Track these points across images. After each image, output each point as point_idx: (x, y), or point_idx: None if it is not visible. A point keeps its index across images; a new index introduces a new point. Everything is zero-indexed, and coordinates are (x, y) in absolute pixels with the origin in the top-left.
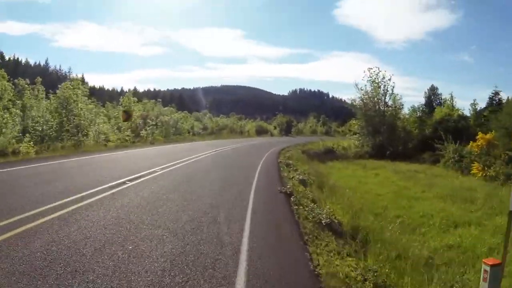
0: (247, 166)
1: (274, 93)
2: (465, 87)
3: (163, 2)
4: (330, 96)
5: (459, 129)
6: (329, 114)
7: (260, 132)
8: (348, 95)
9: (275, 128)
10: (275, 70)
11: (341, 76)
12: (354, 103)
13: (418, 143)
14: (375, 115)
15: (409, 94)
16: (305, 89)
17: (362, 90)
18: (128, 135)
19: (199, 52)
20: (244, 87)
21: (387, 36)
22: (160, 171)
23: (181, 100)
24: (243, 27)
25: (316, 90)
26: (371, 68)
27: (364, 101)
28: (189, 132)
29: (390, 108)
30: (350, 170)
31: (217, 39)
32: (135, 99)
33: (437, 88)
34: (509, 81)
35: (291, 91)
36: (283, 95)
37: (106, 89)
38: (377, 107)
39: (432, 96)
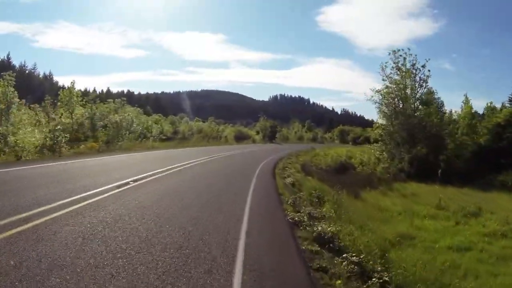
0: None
1: (255, 98)
2: (446, 94)
3: (147, 4)
4: (311, 102)
5: None
6: (311, 120)
7: (240, 138)
8: (330, 102)
9: (257, 133)
10: (256, 76)
11: (323, 82)
12: (380, 98)
13: (472, 157)
14: (410, 115)
15: None
16: (286, 95)
17: (387, 78)
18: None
19: (181, 56)
20: (225, 92)
21: (369, 43)
22: None
23: (158, 103)
24: (225, 31)
25: (297, 96)
26: (397, 51)
27: (392, 95)
28: (145, 137)
29: (420, 106)
30: (436, 220)
31: (199, 43)
32: (78, 91)
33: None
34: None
35: (271, 97)
36: (263, 101)
37: (76, 89)
38: (404, 104)
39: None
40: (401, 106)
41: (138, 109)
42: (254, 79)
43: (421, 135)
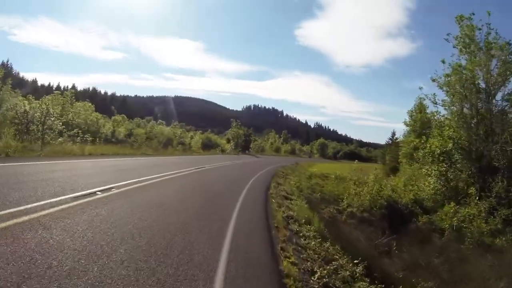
0: None
1: (228, 108)
2: None
3: (128, 6)
4: (285, 114)
5: None
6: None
7: (209, 146)
8: (303, 115)
9: (228, 142)
10: (232, 86)
11: (298, 96)
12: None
13: None
14: None
15: (365, 118)
16: (260, 105)
17: (467, 53)
18: None
19: (158, 62)
20: (199, 99)
21: (346, 60)
22: None
23: (124, 105)
24: (205, 39)
25: (271, 107)
26: (464, 18)
27: (462, 91)
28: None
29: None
30: None
31: (178, 49)
32: None
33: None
34: None
35: (245, 107)
36: (237, 110)
37: (39, 84)
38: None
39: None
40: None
41: (89, 104)
42: (230, 89)
43: None
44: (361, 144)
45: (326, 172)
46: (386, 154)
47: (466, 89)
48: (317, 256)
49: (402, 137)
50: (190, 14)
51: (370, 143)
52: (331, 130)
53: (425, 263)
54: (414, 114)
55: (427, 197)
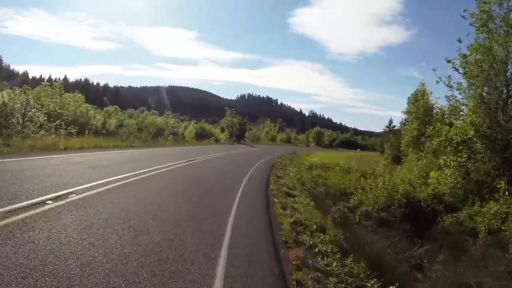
0: None
1: (222, 97)
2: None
3: None
4: (279, 103)
5: None
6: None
7: (203, 136)
8: (298, 104)
9: (222, 131)
10: (226, 75)
11: (292, 84)
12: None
13: None
14: None
15: (359, 106)
16: (254, 94)
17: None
18: None
19: (152, 51)
20: (192, 89)
21: (340, 47)
22: None
23: (117, 96)
24: (198, 28)
25: (265, 96)
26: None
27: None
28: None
29: None
30: None
31: (171, 39)
32: None
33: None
34: None
35: (239, 96)
36: (231, 99)
37: (31, 76)
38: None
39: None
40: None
41: (79, 95)
42: (224, 77)
43: None
44: (356, 132)
45: (326, 161)
46: (385, 142)
47: (487, 70)
48: (344, 286)
49: (399, 125)
50: (183, 2)
51: (365, 131)
52: (326, 118)
53: (476, 283)
54: (415, 100)
55: (447, 191)
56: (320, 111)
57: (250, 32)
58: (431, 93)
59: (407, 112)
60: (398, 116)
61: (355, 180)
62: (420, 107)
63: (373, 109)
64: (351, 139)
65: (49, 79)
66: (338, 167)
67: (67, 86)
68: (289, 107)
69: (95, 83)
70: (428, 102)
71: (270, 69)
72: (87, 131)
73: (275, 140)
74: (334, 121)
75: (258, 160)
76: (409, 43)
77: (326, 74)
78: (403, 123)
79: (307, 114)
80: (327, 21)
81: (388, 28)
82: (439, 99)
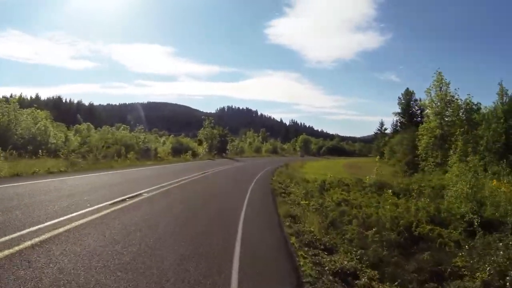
0: None
1: (202, 110)
2: (393, 104)
3: (97, 14)
4: (259, 114)
5: None
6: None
7: (180, 151)
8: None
9: (200, 144)
10: (205, 89)
11: (271, 95)
12: None
13: None
14: None
15: (338, 113)
16: (233, 106)
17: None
18: None
19: (130, 68)
20: (172, 104)
21: (317, 55)
22: None
23: (91, 113)
24: (174, 44)
25: (245, 107)
26: None
27: None
28: None
29: None
30: None
31: (148, 55)
32: None
33: (413, 93)
34: None
35: (218, 109)
36: (211, 113)
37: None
38: None
39: (412, 102)
40: None
41: (39, 111)
42: (203, 92)
43: None
44: (340, 138)
45: (335, 175)
46: (381, 146)
47: None
48: None
49: (390, 127)
50: (158, 18)
51: (346, 136)
52: (307, 126)
53: None
54: (435, 93)
55: None
56: (301, 119)
57: (227, 46)
58: (449, 83)
59: (425, 106)
60: (375, 121)
61: (412, 208)
62: (441, 99)
63: (352, 115)
64: (337, 146)
65: (20, 98)
66: (365, 184)
67: (38, 104)
68: (270, 117)
69: (69, 101)
70: (448, 93)
71: (249, 81)
72: (40, 151)
73: (260, 152)
74: (315, 128)
75: (250, 181)
76: (385, 48)
77: (305, 83)
78: (395, 125)
79: (288, 124)
80: (303, 30)
81: (363, 34)
82: (458, 90)
